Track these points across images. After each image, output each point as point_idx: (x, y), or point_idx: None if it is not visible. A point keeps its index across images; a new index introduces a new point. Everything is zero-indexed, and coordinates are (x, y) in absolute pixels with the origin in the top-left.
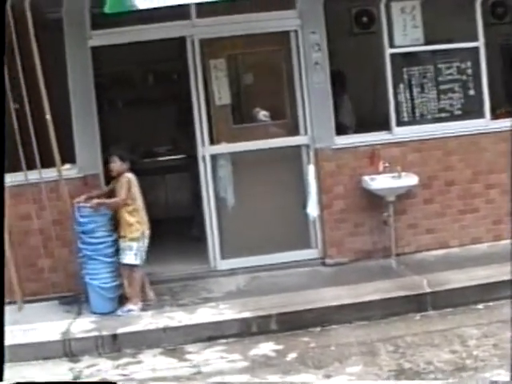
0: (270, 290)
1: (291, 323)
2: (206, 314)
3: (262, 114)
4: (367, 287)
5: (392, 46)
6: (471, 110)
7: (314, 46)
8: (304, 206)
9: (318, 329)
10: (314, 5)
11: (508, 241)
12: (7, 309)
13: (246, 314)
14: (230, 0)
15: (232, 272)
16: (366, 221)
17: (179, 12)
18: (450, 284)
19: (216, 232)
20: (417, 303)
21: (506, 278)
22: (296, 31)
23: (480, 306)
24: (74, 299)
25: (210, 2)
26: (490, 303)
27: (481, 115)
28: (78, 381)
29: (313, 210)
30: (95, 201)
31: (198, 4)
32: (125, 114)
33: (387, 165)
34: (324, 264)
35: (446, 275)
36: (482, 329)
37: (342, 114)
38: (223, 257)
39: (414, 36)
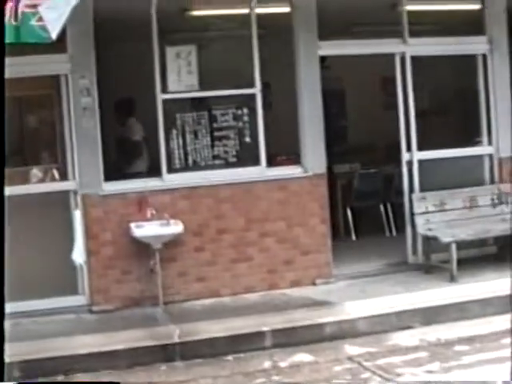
0: (27, 336)
1: (32, 370)
2: None
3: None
4: (121, 336)
5: (165, 91)
6: (246, 158)
7: (84, 90)
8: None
9: (61, 377)
10: (84, 49)
11: (282, 290)
12: None
13: None
14: None
15: None
16: (134, 268)
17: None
18: (202, 334)
19: None
20: (164, 353)
21: (262, 328)
22: (66, 75)
23: (229, 358)
24: None
25: None
26: (241, 354)
27: (256, 163)
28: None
29: (78, 256)
30: None
31: None
32: None
33: (154, 212)
34: (91, 311)
35: (204, 325)
36: (218, 381)
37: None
38: None
39: (188, 82)
